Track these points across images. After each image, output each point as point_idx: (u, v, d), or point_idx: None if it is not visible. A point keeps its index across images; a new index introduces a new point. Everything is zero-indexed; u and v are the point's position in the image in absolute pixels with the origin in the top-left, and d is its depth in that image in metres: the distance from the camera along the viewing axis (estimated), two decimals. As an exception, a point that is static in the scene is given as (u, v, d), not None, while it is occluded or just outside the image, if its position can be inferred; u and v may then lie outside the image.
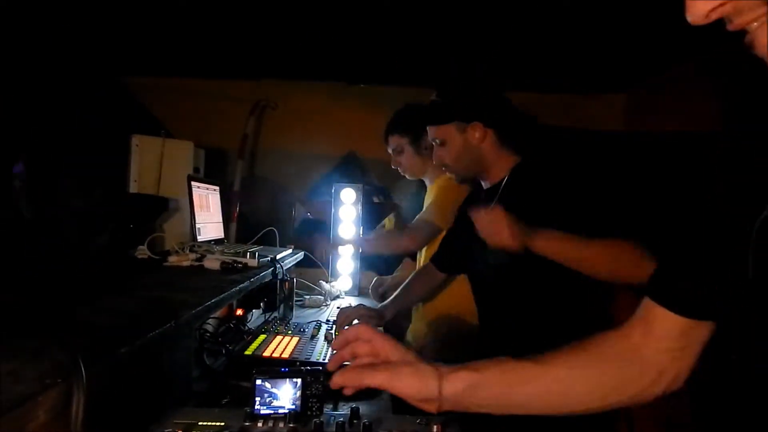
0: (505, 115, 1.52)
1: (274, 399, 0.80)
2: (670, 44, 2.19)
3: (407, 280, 1.91)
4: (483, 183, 1.58)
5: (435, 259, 1.85)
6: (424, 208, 2.13)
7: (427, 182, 2.19)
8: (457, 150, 1.51)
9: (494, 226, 1.25)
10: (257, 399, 0.80)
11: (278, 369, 0.82)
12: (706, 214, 0.66)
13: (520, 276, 1.40)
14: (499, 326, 1.52)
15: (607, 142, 2.77)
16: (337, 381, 0.72)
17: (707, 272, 0.66)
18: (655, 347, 0.71)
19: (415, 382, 0.71)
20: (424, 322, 2.05)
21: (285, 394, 0.81)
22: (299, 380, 0.80)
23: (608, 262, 1.22)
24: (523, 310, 1.42)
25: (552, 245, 1.24)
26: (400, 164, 2.14)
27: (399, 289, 1.89)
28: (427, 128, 1.57)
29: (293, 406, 0.80)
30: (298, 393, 0.80)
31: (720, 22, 0.48)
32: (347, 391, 0.73)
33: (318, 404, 0.85)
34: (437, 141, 1.54)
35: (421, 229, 2.03)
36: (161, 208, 2.07)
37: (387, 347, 0.75)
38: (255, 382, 0.80)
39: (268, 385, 0.80)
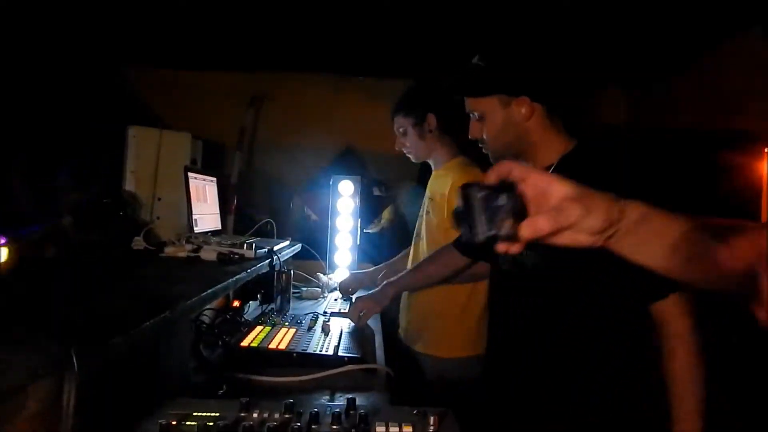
0: (558, 92, 1.34)
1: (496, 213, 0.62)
2: (673, 42, 2.19)
3: (420, 262, 1.86)
4: None
5: (459, 244, 1.71)
6: (432, 197, 2.04)
7: (433, 165, 2.09)
8: (497, 126, 1.32)
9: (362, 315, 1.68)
10: (482, 217, 0.62)
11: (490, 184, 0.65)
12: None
13: (547, 277, 1.29)
14: (516, 324, 1.40)
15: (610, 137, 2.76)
16: (537, 225, 0.62)
17: None
18: None
19: (604, 206, 0.64)
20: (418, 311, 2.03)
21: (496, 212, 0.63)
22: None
23: (440, 272, 1.67)
24: (546, 312, 1.31)
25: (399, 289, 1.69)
26: (404, 146, 2.06)
27: (409, 270, 1.84)
28: (465, 99, 1.37)
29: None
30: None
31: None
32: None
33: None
34: (475, 114, 1.36)
35: None
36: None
37: (549, 182, 0.65)
38: (476, 195, 0.62)
39: (487, 198, 0.63)
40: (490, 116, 1.32)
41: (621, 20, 2.03)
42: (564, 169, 1.25)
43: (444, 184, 1.96)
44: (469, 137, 1.40)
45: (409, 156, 2.08)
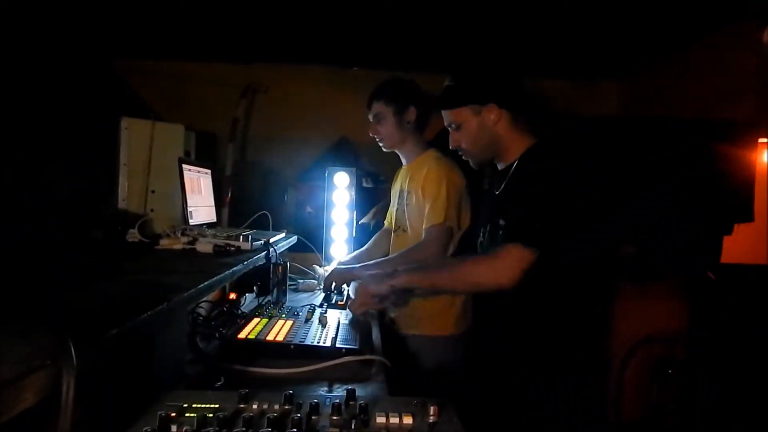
0: (520, 97, 1.56)
1: None
2: (663, 35, 2.20)
3: (429, 263, 1.81)
4: (498, 165, 1.59)
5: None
6: (409, 190, 2.07)
7: (403, 159, 2.15)
8: (473, 133, 1.53)
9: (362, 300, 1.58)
10: None
11: None
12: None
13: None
14: (496, 306, 1.51)
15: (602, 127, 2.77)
16: None
17: None
18: None
19: None
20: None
21: None
22: None
23: (461, 284, 1.51)
24: (521, 295, 1.39)
25: (408, 281, 1.50)
26: (378, 133, 2.08)
27: (414, 267, 1.85)
28: (443, 113, 1.58)
29: None
30: None
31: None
32: None
33: None
34: (453, 125, 1.56)
35: (438, 236, 1.91)
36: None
37: None
38: None
39: None
40: (466, 124, 1.53)
41: (613, 10, 2.03)
42: (523, 162, 1.49)
43: (421, 176, 2.01)
44: (450, 147, 1.60)
45: (380, 143, 2.12)
